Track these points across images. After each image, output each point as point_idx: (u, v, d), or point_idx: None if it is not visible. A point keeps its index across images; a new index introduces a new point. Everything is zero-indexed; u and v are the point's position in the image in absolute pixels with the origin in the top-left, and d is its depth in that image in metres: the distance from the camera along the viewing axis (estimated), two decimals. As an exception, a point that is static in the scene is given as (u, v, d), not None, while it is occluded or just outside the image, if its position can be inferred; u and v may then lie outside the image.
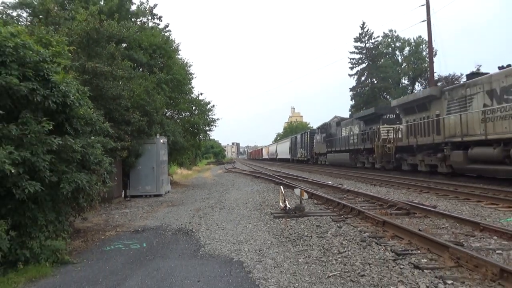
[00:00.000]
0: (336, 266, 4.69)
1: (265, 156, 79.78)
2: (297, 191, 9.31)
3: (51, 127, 5.19)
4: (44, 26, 9.13)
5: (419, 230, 6.02)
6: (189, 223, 8.04)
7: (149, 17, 19.13)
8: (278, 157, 60.36)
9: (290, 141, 49.71)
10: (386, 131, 20.21)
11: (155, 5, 18.96)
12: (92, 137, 6.44)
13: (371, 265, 4.61)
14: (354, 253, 5.15)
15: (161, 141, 14.40)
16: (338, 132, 29.50)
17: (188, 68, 20.34)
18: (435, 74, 29.31)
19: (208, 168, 47.07)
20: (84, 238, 6.93)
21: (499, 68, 12.89)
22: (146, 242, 6.50)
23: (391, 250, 5.18)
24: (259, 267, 4.79)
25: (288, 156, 50.82)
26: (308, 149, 38.25)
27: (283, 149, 55.51)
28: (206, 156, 73.05)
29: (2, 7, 14.18)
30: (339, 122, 30.26)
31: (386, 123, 21.32)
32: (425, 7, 25.02)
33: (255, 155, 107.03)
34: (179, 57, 20.19)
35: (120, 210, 10.68)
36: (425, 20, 25.03)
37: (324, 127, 33.23)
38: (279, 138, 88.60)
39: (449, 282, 3.95)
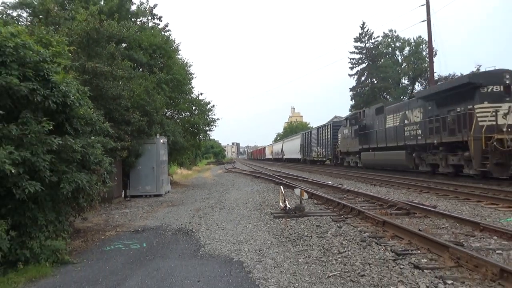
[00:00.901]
0: (336, 266, 4.69)
1: (268, 156, 72.80)
2: (297, 191, 9.31)
3: (51, 127, 5.20)
4: (44, 26, 9.13)
5: (419, 230, 6.02)
6: (189, 223, 8.04)
7: (149, 17, 19.15)
8: (285, 157, 53.15)
9: (302, 138, 41.65)
10: (492, 112, 12.65)
11: (155, 5, 19.00)
12: (92, 137, 6.45)
13: (371, 265, 4.61)
14: (354, 253, 5.15)
15: (161, 141, 14.40)
16: (380, 122, 21.09)
17: (188, 68, 20.36)
18: (435, 74, 29.31)
19: (208, 168, 47.06)
20: (84, 238, 6.93)
21: None
22: (146, 242, 6.50)
23: (391, 250, 5.18)
24: (259, 267, 4.79)
25: (298, 156, 43.45)
26: (329, 147, 30.45)
27: (292, 148, 47.83)
28: (206, 156, 73.00)
29: (2, 7, 14.19)
30: (380, 108, 21.89)
31: (487, 100, 13.17)
32: (425, 7, 25.03)
33: (256, 155, 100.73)
34: (179, 57, 20.22)
35: (120, 210, 10.68)
36: (425, 20, 25.04)
37: (355, 118, 24.91)
38: (279, 138, 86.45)
39: (449, 282, 3.95)
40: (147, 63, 16.35)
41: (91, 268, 5.06)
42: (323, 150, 32.35)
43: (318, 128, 35.39)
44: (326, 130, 31.67)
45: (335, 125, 30.36)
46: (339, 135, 27.89)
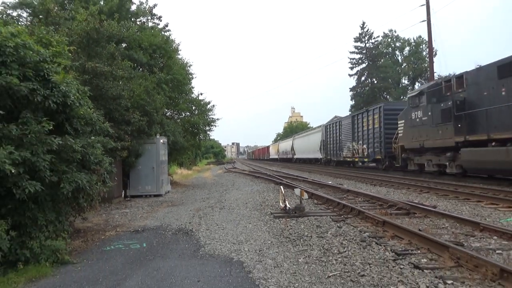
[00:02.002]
0: (336, 266, 4.69)
1: (273, 155, 64.86)
2: (297, 191, 9.31)
3: (51, 127, 5.20)
4: (44, 26, 9.13)
5: (419, 230, 6.02)
6: (189, 223, 8.04)
7: (149, 17, 19.17)
8: (296, 156, 45.15)
9: (324, 131, 31.92)
10: None
11: (155, 5, 19.02)
12: (92, 137, 6.45)
13: (371, 265, 4.61)
14: (354, 253, 5.15)
15: (161, 141, 14.41)
16: None
17: (188, 68, 20.38)
18: (435, 74, 29.29)
19: (208, 168, 47.06)
20: (84, 238, 6.93)
21: None
22: (146, 242, 6.50)
23: (391, 250, 5.18)
24: (259, 267, 4.79)
25: (317, 155, 34.13)
26: (379, 142, 20.56)
27: (307, 145, 38.40)
28: (206, 156, 72.95)
29: (2, 7, 14.20)
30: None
31: None
32: (425, 7, 25.05)
33: (258, 154, 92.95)
34: (179, 57, 20.24)
35: (120, 210, 10.68)
36: (425, 20, 25.05)
37: (438, 90, 15.09)
38: (279, 138, 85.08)
39: (449, 282, 3.95)
40: (147, 63, 16.36)
41: (91, 268, 5.06)
42: (365, 146, 22.40)
43: (354, 116, 25.05)
44: (371, 117, 21.62)
45: (388, 108, 20.52)
46: (400, 122, 17.99)
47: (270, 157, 68.84)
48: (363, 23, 51.46)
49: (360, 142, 23.30)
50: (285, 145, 53.30)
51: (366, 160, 22.82)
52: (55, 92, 5.48)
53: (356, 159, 24.55)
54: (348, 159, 26.14)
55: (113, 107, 11.46)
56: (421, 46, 48.34)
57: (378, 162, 21.74)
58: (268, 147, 77.92)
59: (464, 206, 8.88)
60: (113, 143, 8.04)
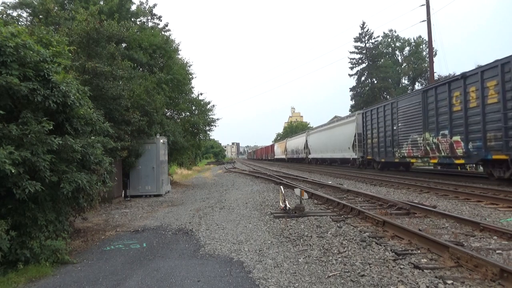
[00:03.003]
0: (336, 266, 4.69)
1: (279, 155, 56.76)
2: (297, 191, 9.30)
3: (51, 127, 5.20)
4: (44, 26, 9.14)
5: (419, 230, 6.01)
6: (189, 223, 8.05)
7: (149, 17, 19.20)
8: (311, 156, 36.83)
9: (359, 121, 23.29)
10: None
11: (155, 5, 19.07)
12: (92, 137, 6.46)
13: (371, 265, 4.61)
14: (354, 253, 5.15)
15: (161, 141, 14.41)
16: None
17: (188, 68, 20.39)
18: (435, 74, 29.29)
19: (208, 168, 47.06)
20: (84, 238, 6.93)
21: None
22: (146, 242, 6.51)
23: (391, 250, 5.18)
24: (259, 267, 4.79)
25: (348, 155, 25.73)
26: (495, 130, 11.63)
27: (331, 141, 29.59)
28: (206, 156, 72.98)
29: (2, 7, 14.21)
30: None
31: None
32: (425, 7, 25.06)
33: (261, 154, 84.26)
34: (179, 57, 20.25)
35: (120, 210, 10.68)
36: (425, 20, 25.07)
37: None
38: (279, 138, 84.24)
39: (449, 282, 3.95)
40: (147, 63, 16.38)
41: (91, 268, 5.06)
42: (457, 138, 13.56)
43: (425, 91, 15.82)
44: (475, 86, 12.63)
45: None
46: None
47: (276, 157, 59.74)
48: (363, 23, 51.59)
49: (445, 132, 14.33)
50: (296, 142, 43.62)
51: (460, 162, 13.88)
52: (55, 92, 5.48)
53: (434, 160, 15.55)
54: (413, 160, 17.34)
55: (113, 107, 11.47)
56: (421, 46, 48.42)
57: (495, 167, 12.43)
58: (272, 146, 68.75)
59: (464, 206, 8.88)
60: (113, 143, 8.04)
